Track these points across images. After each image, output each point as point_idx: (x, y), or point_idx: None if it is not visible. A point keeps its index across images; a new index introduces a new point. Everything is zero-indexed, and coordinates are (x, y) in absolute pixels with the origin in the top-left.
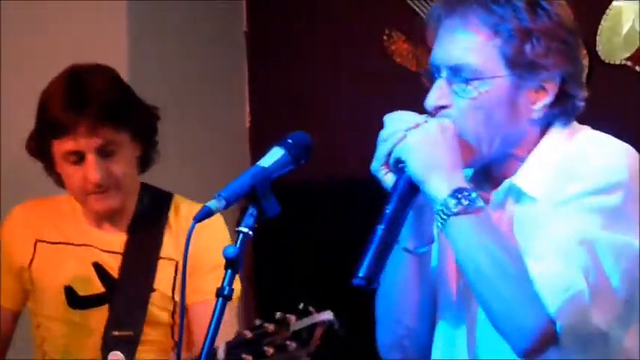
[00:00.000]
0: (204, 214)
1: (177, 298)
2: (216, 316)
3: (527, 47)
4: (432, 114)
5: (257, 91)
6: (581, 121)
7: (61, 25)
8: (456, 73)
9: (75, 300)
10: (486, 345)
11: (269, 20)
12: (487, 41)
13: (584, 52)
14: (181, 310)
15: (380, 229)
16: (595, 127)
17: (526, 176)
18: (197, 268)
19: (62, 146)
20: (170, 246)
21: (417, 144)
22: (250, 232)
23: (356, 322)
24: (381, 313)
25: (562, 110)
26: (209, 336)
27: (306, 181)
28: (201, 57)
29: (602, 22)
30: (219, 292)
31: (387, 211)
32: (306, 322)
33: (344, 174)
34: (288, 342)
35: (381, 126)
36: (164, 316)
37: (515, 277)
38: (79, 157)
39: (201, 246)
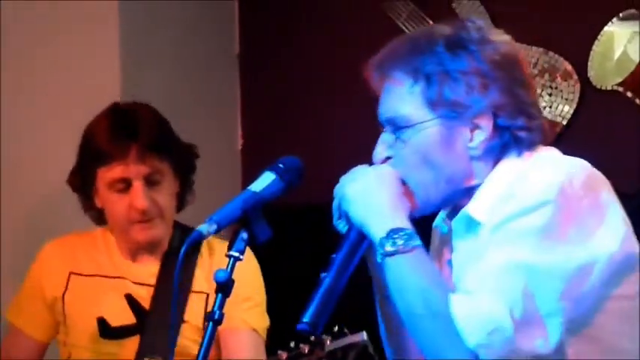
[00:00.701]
0: (195, 239)
1: None
2: (206, 339)
3: (447, 88)
4: None
5: (249, 113)
6: (573, 147)
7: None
8: (391, 124)
9: (107, 331)
10: None
11: (261, 42)
12: (410, 90)
13: (535, 83)
14: (173, 331)
15: (326, 276)
16: (586, 151)
17: (476, 204)
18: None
19: (110, 174)
20: (201, 280)
21: (353, 194)
22: (241, 257)
23: None
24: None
25: (503, 143)
26: (200, 358)
27: (298, 204)
28: (193, 79)
29: (594, 47)
30: (209, 317)
31: (334, 258)
32: (341, 342)
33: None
34: None
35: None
36: (193, 348)
37: (443, 315)
38: (126, 185)
39: (235, 277)
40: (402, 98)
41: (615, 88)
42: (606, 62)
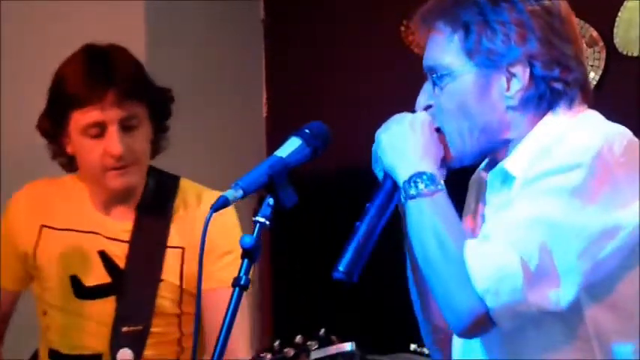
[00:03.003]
0: (222, 204)
1: (185, 286)
2: (232, 306)
3: (484, 37)
4: None
5: (274, 80)
6: (599, 113)
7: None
8: (432, 73)
9: (81, 290)
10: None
11: (286, 9)
12: (449, 38)
13: (582, 41)
14: (197, 300)
15: (360, 225)
16: (611, 118)
17: (514, 159)
18: (207, 254)
19: (85, 117)
20: (176, 233)
21: (386, 140)
22: (267, 222)
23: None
24: (417, 315)
25: (539, 94)
26: (225, 326)
27: (323, 171)
28: (218, 46)
29: (620, 13)
30: (236, 282)
31: (368, 207)
32: (328, 351)
33: (361, 165)
34: None
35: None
36: (171, 307)
37: (456, 259)
38: (100, 130)
39: (211, 232)
40: (442, 47)
41: None
42: (632, 29)
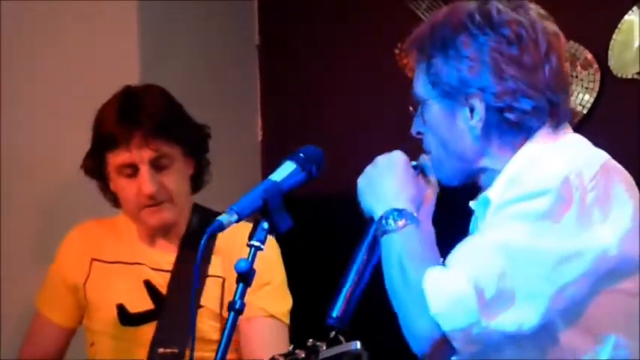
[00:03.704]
0: (216, 228)
1: (225, 314)
2: (227, 329)
3: (442, 70)
4: None
5: (269, 104)
6: (593, 135)
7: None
8: (415, 101)
9: (126, 317)
10: None
11: (281, 33)
12: (420, 69)
13: (556, 65)
14: (192, 318)
15: (350, 271)
16: (605, 140)
17: (495, 187)
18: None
19: (117, 159)
20: (218, 265)
21: (362, 186)
22: (262, 246)
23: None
24: None
25: (494, 123)
26: (220, 349)
27: (317, 194)
28: (213, 70)
29: (614, 35)
30: (231, 306)
31: (357, 253)
32: (335, 350)
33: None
34: None
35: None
36: (212, 332)
37: (417, 286)
38: (133, 170)
39: (255, 264)
40: (417, 77)
41: (635, 77)
42: (626, 51)
